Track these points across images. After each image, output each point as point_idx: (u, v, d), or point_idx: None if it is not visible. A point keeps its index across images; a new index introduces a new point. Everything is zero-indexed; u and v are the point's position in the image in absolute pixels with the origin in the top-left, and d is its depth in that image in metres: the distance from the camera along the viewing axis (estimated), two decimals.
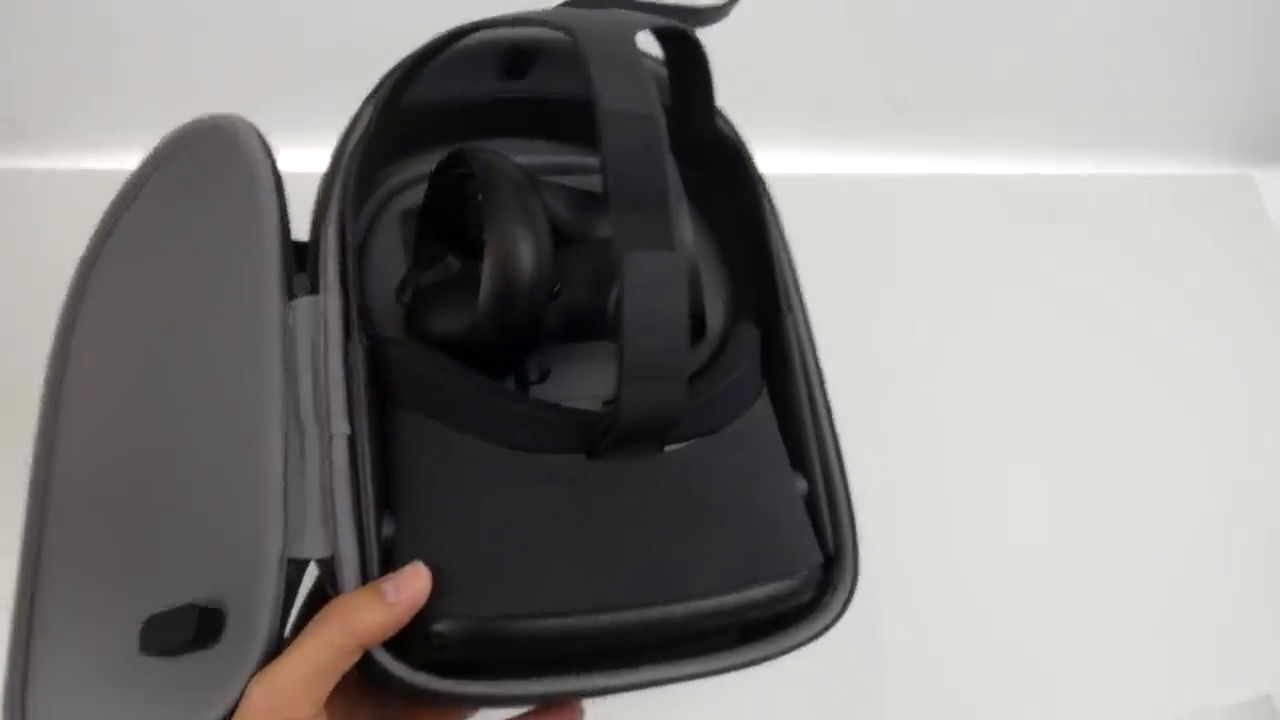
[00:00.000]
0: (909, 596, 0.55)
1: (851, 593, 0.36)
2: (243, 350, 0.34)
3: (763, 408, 0.38)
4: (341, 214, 0.36)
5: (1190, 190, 0.77)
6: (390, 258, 0.41)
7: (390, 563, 0.32)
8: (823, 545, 0.37)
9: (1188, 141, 0.78)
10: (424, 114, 0.41)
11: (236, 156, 0.39)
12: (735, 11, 0.71)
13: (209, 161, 0.40)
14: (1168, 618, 0.59)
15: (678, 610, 0.33)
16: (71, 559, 0.36)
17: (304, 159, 0.75)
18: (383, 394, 0.34)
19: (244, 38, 0.71)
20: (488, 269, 0.35)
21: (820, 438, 0.39)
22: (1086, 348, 0.68)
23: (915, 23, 0.71)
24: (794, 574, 0.35)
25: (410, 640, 0.30)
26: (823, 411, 0.39)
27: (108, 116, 0.76)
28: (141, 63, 0.72)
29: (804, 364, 0.40)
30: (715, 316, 0.42)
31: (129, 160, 0.79)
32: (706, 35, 0.68)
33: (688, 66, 0.39)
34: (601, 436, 0.33)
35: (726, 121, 0.45)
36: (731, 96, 0.76)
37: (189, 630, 0.30)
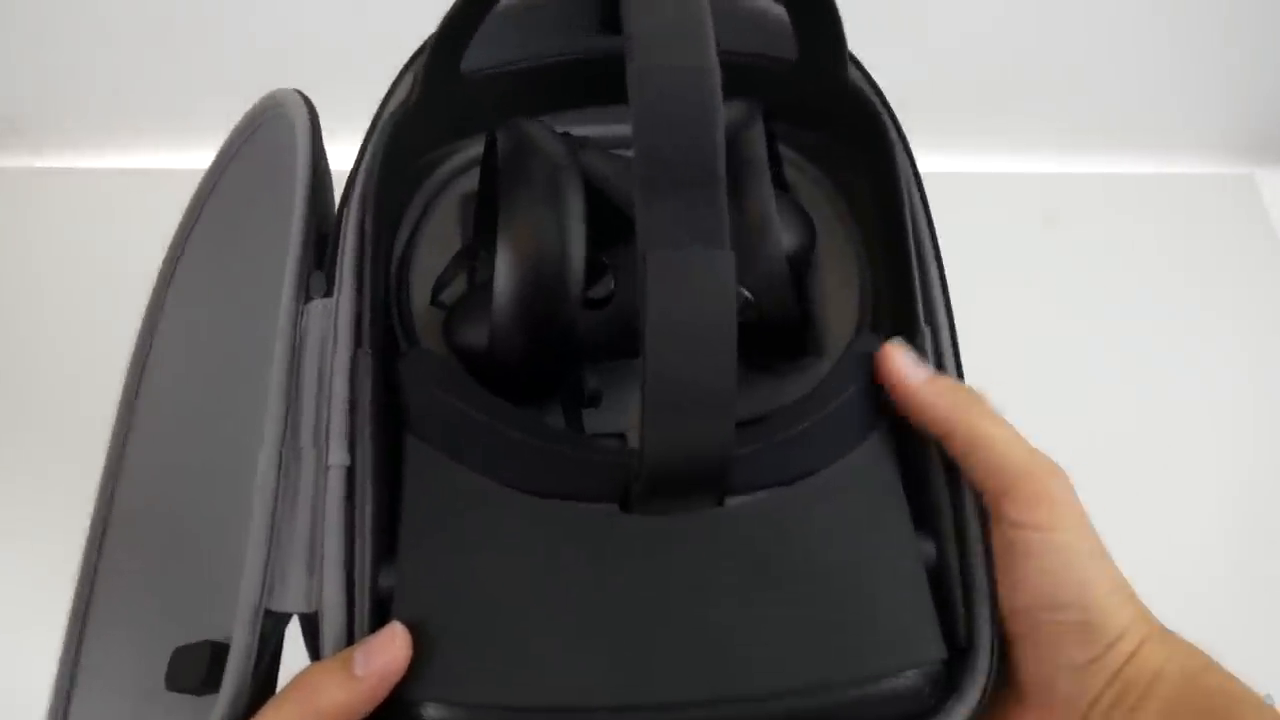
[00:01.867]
0: None
1: (984, 701, 0.26)
2: (261, 363, 0.29)
3: (877, 449, 0.29)
4: (363, 201, 0.30)
5: (1190, 190, 0.77)
6: (445, 253, 0.34)
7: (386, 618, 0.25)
8: (950, 633, 0.27)
9: (1188, 141, 0.77)
10: (492, 80, 0.33)
11: (283, 139, 0.33)
12: None
13: (266, 146, 0.36)
14: (1168, 618, 0.59)
15: (732, 713, 0.25)
16: (125, 577, 0.33)
17: None
18: (398, 417, 0.28)
19: (244, 38, 0.71)
20: (498, 268, 0.28)
21: (957, 491, 0.29)
22: (1086, 347, 0.68)
23: (916, 22, 0.71)
24: (903, 671, 0.26)
25: (390, 717, 0.24)
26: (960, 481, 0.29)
27: (108, 116, 0.76)
28: (141, 63, 0.72)
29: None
30: (844, 323, 0.34)
31: (129, 160, 0.80)
32: None
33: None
34: (631, 484, 0.25)
35: (864, 74, 0.36)
36: None
37: (201, 670, 0.25)
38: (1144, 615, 0.28)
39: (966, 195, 0.76)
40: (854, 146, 0.35)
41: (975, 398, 0.29)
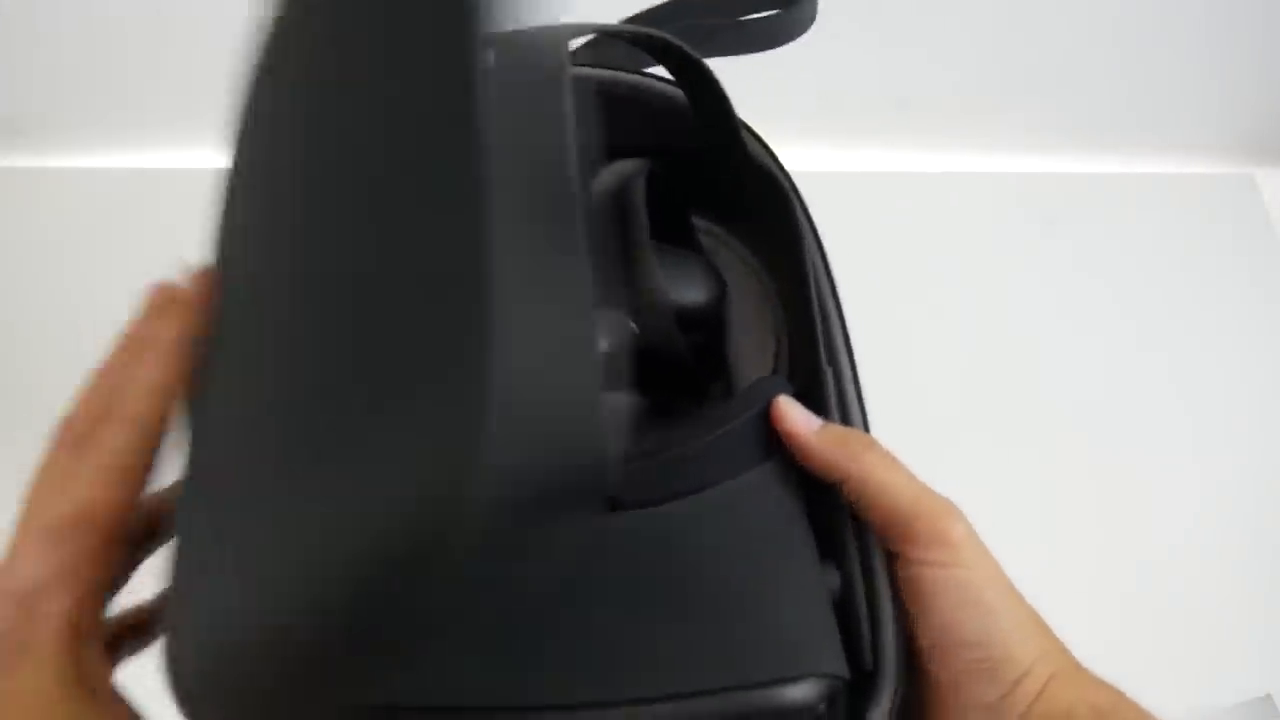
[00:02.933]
0: None
1: None
2: None
3: (778, 474, 0.30)
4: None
5: (1190, 190, 0.77)
6: None
7: None
8: (856, 659, 0.27)
9: (1188, 141, 0.78)
10: None
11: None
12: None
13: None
14: (1168, 618, 0.59)
15: (613, 716, 0.24)
16: None
17: None
18: None
19: (243, 38, 0.71)
20: None
21: (861, 525, 0.29)
22: (1086, 347, 0.68)
23: (918, 21, 0.71)
24: (798, 680, 0.25)
25: None
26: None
27: (108, 116, 0.76)
28: (143, 63, 0.72)
29: (847, 424, 0.32)
30: (759, 371, 0.36)
31: (129, 160, 0.79)
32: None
33: (691, 83, 0.34)
34: (505, 496, 0.22)
35: (763, 148, 0.39)
36: (733, 95, 0.76)
37: None
38: (1053, 650, 0.28)
39: (966, 195, 0.76)
40: (763, 213, 0.37)
41: (866, 444, 0.29)
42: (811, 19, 0.38)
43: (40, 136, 0.77)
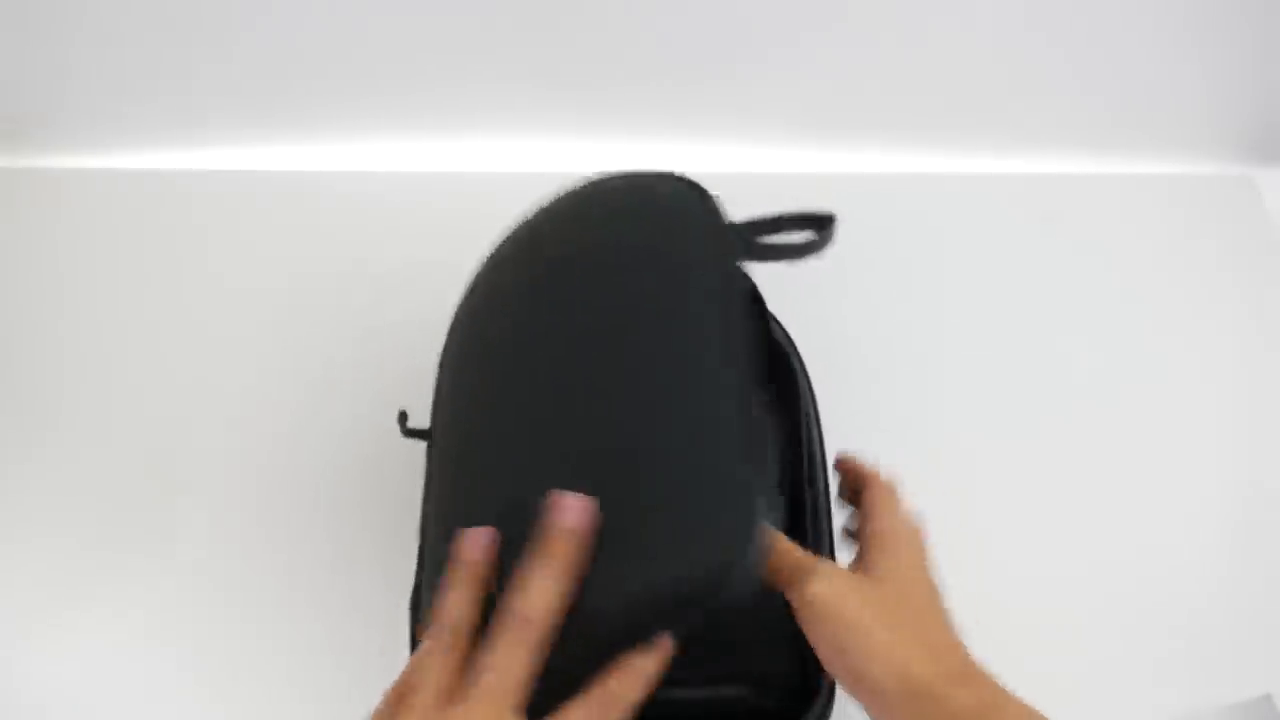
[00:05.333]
0: None
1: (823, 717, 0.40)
2: None
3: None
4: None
5: (1190, 190, 0.77)
6: None
7: None
8: (804, 670, 0.41)
9: (1188, 141, 0.77)
10: None
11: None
12: (738, 10, 0.71)
13: None
14: (1168, 618, 0.59)
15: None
16: None
17: (304, 157, 0.75)
18: None
19: (244, 38, 0.71)
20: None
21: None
22: (1086, 348, 0.68)
23: (918, 21, 0.71)
24: (760, 681, 0.40)
25: None
26: (826, 540, 0.45)
27: (108, 116, 0.76)
28: (141, 63, 0.72)
29: (817, 527, 0.45)
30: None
31: (129, 160, 0.79)
32: (709, 26, 0.68)
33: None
34: None
35: (780, 329, 0.53)
36: (733, 95, 0.77)
37: None
38: (916, 666, 0.35)
39: (966, 195, 0.76)
40: (774, 372, 0.51)
41: (808, 567, 0.37)
42: (828, 243, 0.48)
43: (40, 136, 0.77)
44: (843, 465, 0.44)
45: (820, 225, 0.49)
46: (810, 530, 0.45)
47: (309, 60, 0.72)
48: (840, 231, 0.54)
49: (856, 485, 0.42)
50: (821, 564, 0.36)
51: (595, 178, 0.50)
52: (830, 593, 0.35)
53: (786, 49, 0.73)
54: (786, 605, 0.39)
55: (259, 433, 0.63)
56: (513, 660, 0.31)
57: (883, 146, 0.77)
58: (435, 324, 0.65)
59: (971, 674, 0.35)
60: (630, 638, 0.33)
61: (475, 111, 0.74)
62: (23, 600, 0.57)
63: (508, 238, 0.51)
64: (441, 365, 0.49)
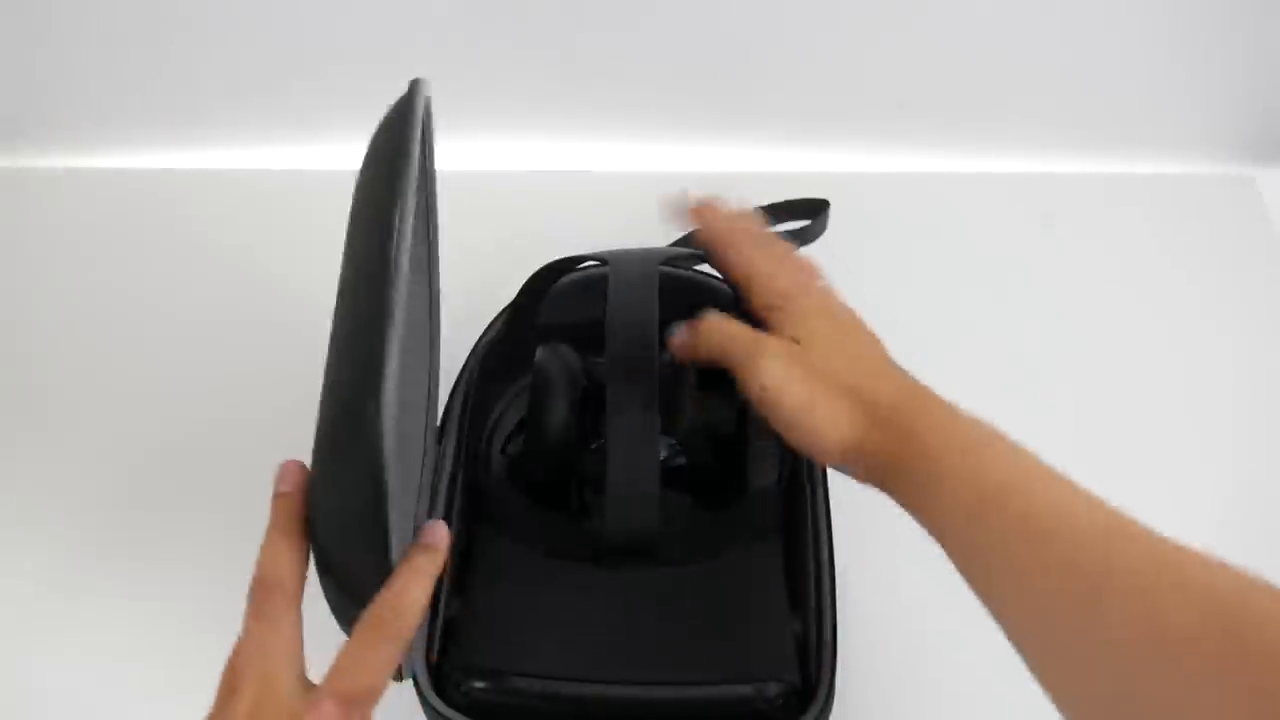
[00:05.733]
0: (905, 583, 0.55)
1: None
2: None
3: (772, 551, 0.47)
4: (465, 394, 0.51)
5: (1190, 190, 0.77)
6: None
7: (451, 629, 0.45)
8: (806, 678, 0.43)
9: (1188, 141, 0.77)
10: (549, 329, 0.52)
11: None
12: (739, 9, 0.71)
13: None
14: None
15: (656, 693, 0.42)
16: None
17: (303, 157, 0.75)
18: (477, 511, 0.49)
19: (244, 38, 0.71)
20: (526, 432, 0.50)
21: (820, 589, 0.45)
22: (1085, 348, 0.68)
23: (917, 21, 0.71)
24: (765, 682, 0.42)
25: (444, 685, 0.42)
26: (825, 569, 0.46)
27: (108, 116, 0.76)
28: (141, 63, 0.72)
29: (815, 529, 0.47)
30: (767, 479, 0.51)
31: (129, 160, 0.80)
32: (711, 29, 0.68)
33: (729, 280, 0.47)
34: (599, 550, 0.44)
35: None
36: (733, 95, 0.76)
37: None
38: (861, 414, 0.38)
39: (966, 195, 0.76)
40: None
41: (757, 349, 0.39)
42: (824, 229, 0.51)
43: (40, 136, 0.77)
44: (686, 338, 0.42)
45: (815, 211, 0.50)
46: (810, 528, 0.47)
47: (309, 60, 0.72)
48: (839, 231, 0.54)
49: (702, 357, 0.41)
50: (769, 344, 0.38)
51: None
52: (777, 380, 0.37)
53: (787, 49, 0.73)
54: (784, 601, 0.45)
55: (259, 432, 0.63)
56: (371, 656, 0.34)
57: (883, 146, 0.77)
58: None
59: (897, 409, 0.38)
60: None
61: (476, 112, 0.74)
62: (23, 600, 0.57)
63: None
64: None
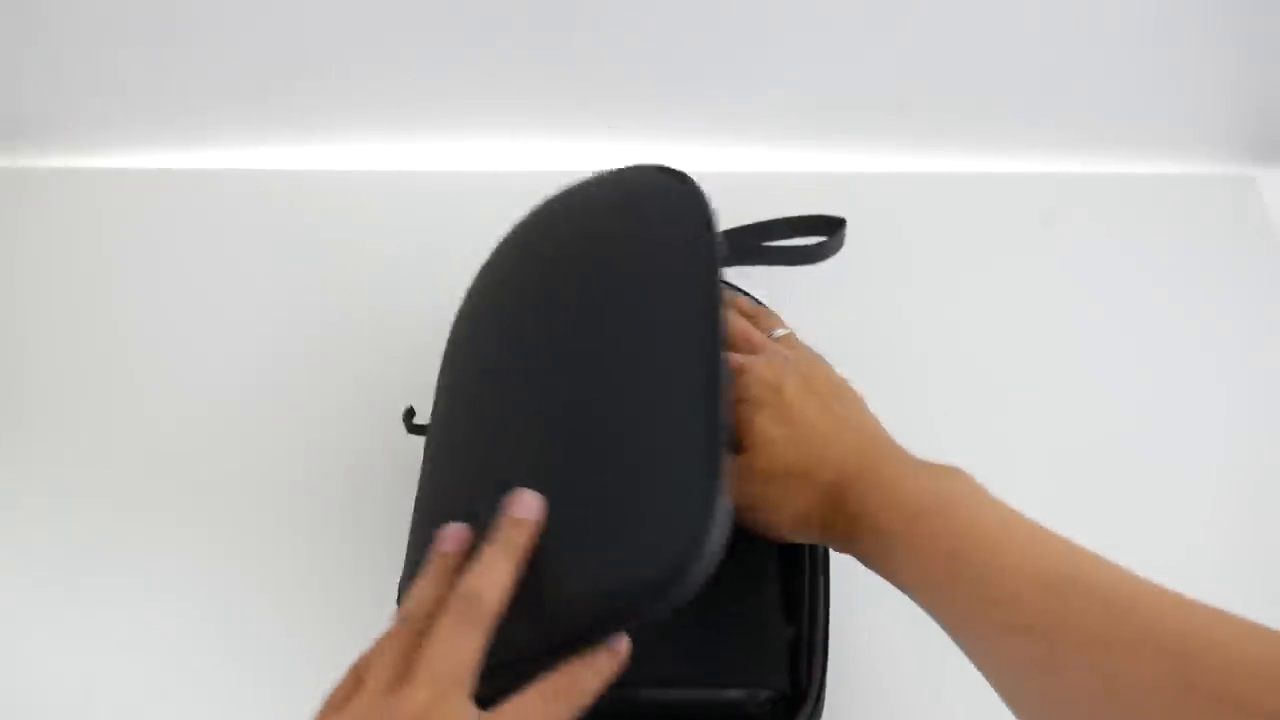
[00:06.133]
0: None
1: None
2: None
3: (765, 555, 0.46)
4: None
5: (1190, 190, 0.77)
6: None
7: None
8: (796, 682, 0.43)
9: (1188, 141, 0.77)
10: None
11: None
12: (739, 9, 0.71)
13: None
14: None
15: (645, 695, 0.42)
16: None
17: (303, 157, 0.75)
18: None
19: (244, 38, 0.71)
20: None
21: (813, 594, 0.46)
22: (1085, 348, 0.68)
23: (917, 21, 0.71)
24: (755, 688, 0.42)
25: None
26: (820, 573, 0.46)
27: (108, 117, 0.76)
28: (141, 63, 0.72)
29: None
30: None
31: (129, 160, 0.79)
32: (711, 29, 0.68)
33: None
34: None
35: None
36: (734, 94, 0.76)
37: None
38: (852, 459, 0.40)
39: (966, 195, 0.76)
40: None
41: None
42: (841, 246, 0.50)
43: (40, 136, 0.77)
44: None
45: (830, 228, 0.50)
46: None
47: (309, 60, 0.72)
48: None
49: None
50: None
51: (589, 176, 0.51)
52: (773, 417, 0.40)
53: (787, 49, 0.73)
54: (777, 605, 0.45)
55: (258, 432, 0.63)
56: (457, 641, 0.32)
57: (883, 146, 0.77)
58: (435, 323, 0.65)
59: (844, 488, 0.39)
60: (592, 628, 0.34)
61: (475, 112, 0.74)
62: (23, 600, 0.57)
63: (503, 240, 0.51)
64: (442, 365, 0.50)
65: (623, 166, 0.50)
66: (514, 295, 0.47)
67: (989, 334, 0.68)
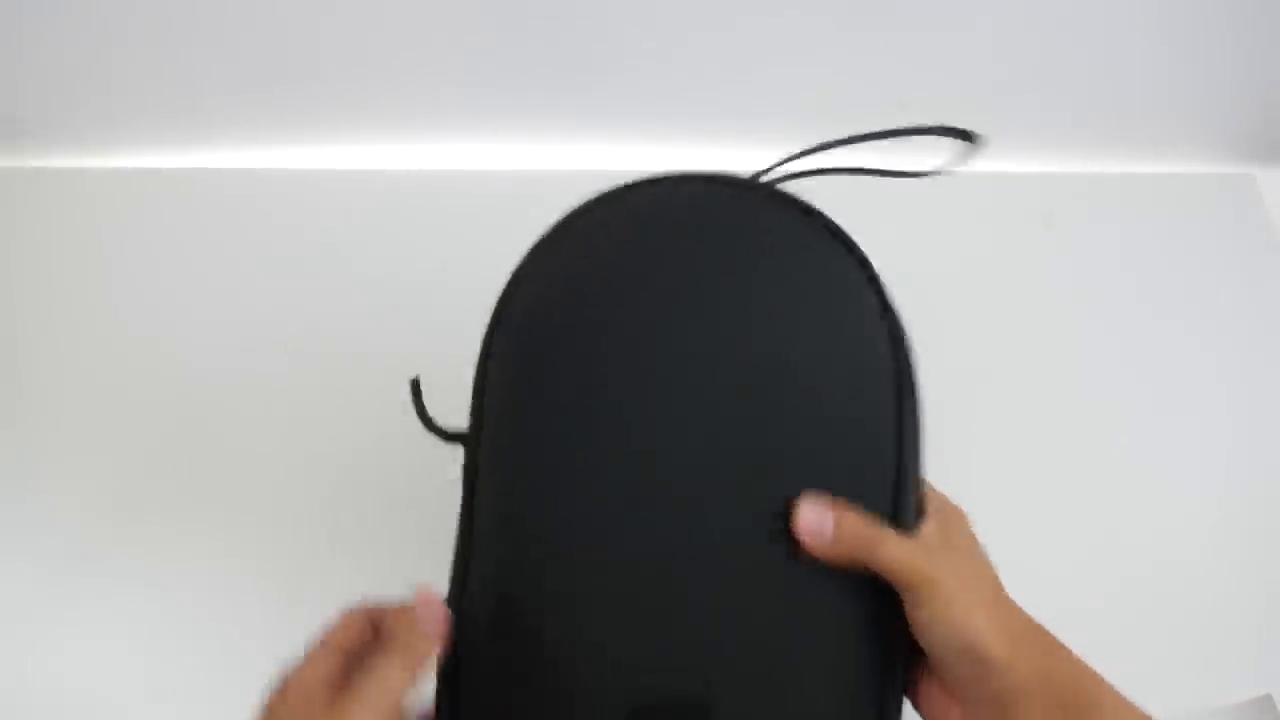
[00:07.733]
0: None
1: None
2: None
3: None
4: None
5: (1190, 190, 0.77)
6: None
7: None
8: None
9: (1188, 141, 0.77)
10: None
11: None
12: (738, 9, 0.71)
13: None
14: (1168, 618, 0.59)
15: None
16: None
17: (302, 157, 0.75)
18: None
19: (244, 38, 0.71)
20: None
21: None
22: (1085, 347, 0.68)
23: (917, 21, 0.71)
24: None
25: None
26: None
27: (108, 116, 0.76)
28: (141, 63, 0.72)
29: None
30: None
31: (129, 160, 0.79)
32: (710, 29, 0.68)
33: None
34: None
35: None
36: (734, 95, 0.76)
37: None
38: (1026, 644, 0.38)
39: (966, 195, 0.76)
40: None
41: (873, 529, 0.36)
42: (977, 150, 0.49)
43: (40, 136, 0.77)
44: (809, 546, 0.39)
45: (966, 137, 0.50)
46: None
47: (309, 60, 0.72)
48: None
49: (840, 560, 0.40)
50: (891, 531, 0.36)
51: (674, 176, 0.47)
52: (904, 556, 0.35)
53: (786, 49, 0.73)
54: None
55: (260, 432, 0.63)
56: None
57: (881, 146, 0.77)
58: (436, 323, 0.65)
59: (1043, 640, 0.38)
60: None
61: (475, 112, 0.74)
62: (23, 600, 0.57)
63: (598, 241, 0.46)
64: (498, 353, 0.45)
65: (729, 178, 0.47)
66: (654, 312, 0.42)
67: (989, 333, 0.68)
